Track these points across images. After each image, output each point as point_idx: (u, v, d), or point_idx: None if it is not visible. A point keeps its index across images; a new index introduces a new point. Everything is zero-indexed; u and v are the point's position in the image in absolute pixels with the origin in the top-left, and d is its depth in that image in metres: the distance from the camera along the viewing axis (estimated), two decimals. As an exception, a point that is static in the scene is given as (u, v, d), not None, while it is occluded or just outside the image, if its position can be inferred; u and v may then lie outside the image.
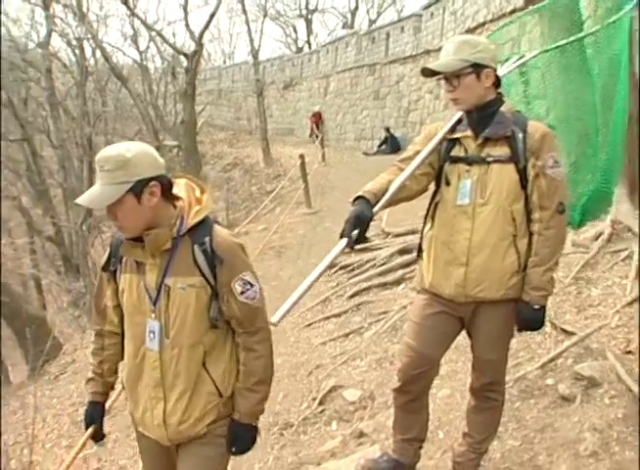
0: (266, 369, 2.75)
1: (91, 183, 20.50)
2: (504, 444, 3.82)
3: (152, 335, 2.68)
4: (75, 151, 21.11)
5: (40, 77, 19.70)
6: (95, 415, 2.97)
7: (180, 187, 2.69)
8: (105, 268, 2.83)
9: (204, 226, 2.63)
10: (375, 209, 2.98)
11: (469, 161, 3.09)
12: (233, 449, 2.78)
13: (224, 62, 45.50)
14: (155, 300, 2.66)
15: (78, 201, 2.51)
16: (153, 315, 2.66)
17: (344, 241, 2.91)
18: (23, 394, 10.96)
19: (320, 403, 5.38)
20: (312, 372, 6.04)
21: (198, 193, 2.72)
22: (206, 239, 2.60)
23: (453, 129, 3.18)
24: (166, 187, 2.56)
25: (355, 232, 2.90)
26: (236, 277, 2.62)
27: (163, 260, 2.62)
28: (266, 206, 14.95)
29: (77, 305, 16.86)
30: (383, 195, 3.03)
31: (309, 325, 7.41)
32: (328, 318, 7.46)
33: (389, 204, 3.08)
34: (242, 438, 2.77)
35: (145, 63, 26.00)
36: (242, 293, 2.63)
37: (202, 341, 2.65)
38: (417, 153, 3.15)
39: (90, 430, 2.97)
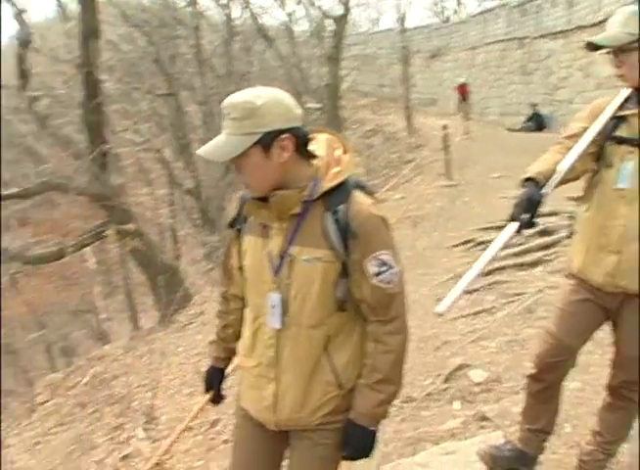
0: (395, 367, 2.39)
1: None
2: (635, 447, 3.53)
3: (272, 309, 2.40)
4: (218, 108, 21.31)
5: (188, 35, 19.97)
6: (215, 380, 2.81)
7: (320, 144, 2.39)
8: (231, 225, 2.60)
9: (341, 191, 2.31)
10: (544, 191, 2.72)
11: (634, 142, 2.80)
12: (344, 453, 2.44)
13: (370, 28, 45.11)
14: (277, 269, 2.38)
15: (200, 152, 2.28)
16: (274, 286, 2.38)
17: (515, 225, 2.65)
18: (152, 339, 11.30)
19: (445, 381, 5.22)
20: (440, 348, 5.89)
21: (339, 152, 2.40)
22: (341, 207, 2.28)
23: (621, 107, 2.88)
24: (301, 142, 2.27)
25: (526, 216, 2.64)
26: (371, 255, 2.28)
27: (291, 226, 2.34)
28: (405, 175, 14.69)
29: (210, 259, 17.13)
30: (550, 176, 2.78)
31: (440, 299, 7.03)
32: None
33: (557, 186, 2.82)
34: (355, 441, 2.41)
35: (291, 25, 26.03)
36: (376, 274, 2.30)
37: (325, 323, 2.36)
38: (583, 130, 2.88)
39: (209, 395, 2.83)
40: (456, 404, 4.84)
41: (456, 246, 9.19)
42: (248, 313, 2.55)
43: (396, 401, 4.96)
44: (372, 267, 2.28)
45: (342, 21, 18.68)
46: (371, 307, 2.35)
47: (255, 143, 2.20)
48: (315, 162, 2.33)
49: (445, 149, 13.90)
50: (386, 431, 4.54)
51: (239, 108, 2.20)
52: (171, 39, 19.35)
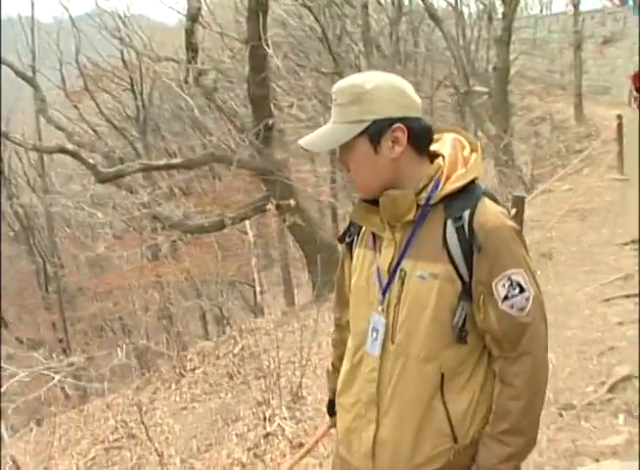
0: (526, 414, 1.97)
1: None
2: None
3: (374, 334, 2.04)
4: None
5: (356, 14, 19.87)
6: (333, 412, 2.39)
7: (445, 143, 2.07)
8: (341, 239, 2.26)
9: (466, 196, 1.95)
10: None
11: None
12: None
13: (541, 10, 43.60)
14: (385, 288, 2.02)
15: (302, 142, 2.02)
16: (380, 308, 2.03)
17: None
18: (304, 316, 11.31)
19: (609, 390, 4.73)
20: (604, 353, 5.37)
21: (466, 152, 2.05)
22: (466, 213, 1.92)
23: None
24: (418, 135, 1.96)
25: None
26: (501, 274, 1.91)
27: (405, 235, 1.99)
28: (574, 165, 14.00)
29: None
30: None
31: (607, 301, 6.59)
32: (628, 297, 6.57)
33: None
34: None
35: (460, 7, 25.47)
36: (505, 298, 1.92)
37: (439, 356, 1.96)
38: None
39: (330, 423, 2.55)
40: (621, 418, 4.40)
41: (626, 244, 8.58)
42: (350, 342, 2.20)
43: (553, 408, 4.66)
44: (500, 289, 1.92)
45: (512, 2, 17.97)
46: (496, 340, 1.97)
47: (362, 133, 1.93)
48: (437, 161, 2.02)
49: (619, 140, 13.14)
50: (540, 439, 4.20)
51: (346, 92, 1.95)
52: (338, 18, 19.28)
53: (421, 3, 19.63)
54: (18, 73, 14.43)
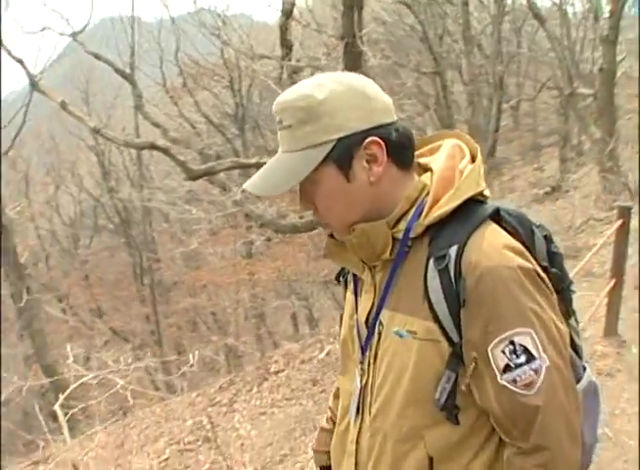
0: None
1: (498, 123, 20.22)
2: None
3: (354, 399, 1.66)
4: (485, 89, 20.81)
5: (457, 14, 19.44)
6: None
7: (441, 151, 1.63)
8: (337, 277, 1.86)
9: (461, 223, 1.48)
10: None
11: None
12: None
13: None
14: (364, 344, 1.62)
15: (246, 186, 1.55)
16: (360, 368, 1.64)
17: None
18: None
19: None
20: None
21: (464, 162, 1.59)
22: (452, 249, 1.44)
23: None
24: (399, 145, 1.53)
25: None
26: (500, 336, 1.41)
27: (385, 277, 1.58)
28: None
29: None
30: None
31: None
32: None
33: None
34: None
35: (564, 6, 24.66)
36: (506, 369, 1.42)
37: (423, 436, 1.50)
38: None
39: None
40: None
41: None
42: (341, 401, 1.80)
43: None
44: (499, 356, 1.41)
45: (619, 0, 17.18)
46: (500, 424, 1.47)
47: (325, 159, 1.49)
48: (422, 178, 1.58)
49: None
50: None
51: (292, 108, 1.49)
52: (439, 16, 18.90)
53: (524, 2, 19.13)
54: (117, 71, 14.60)
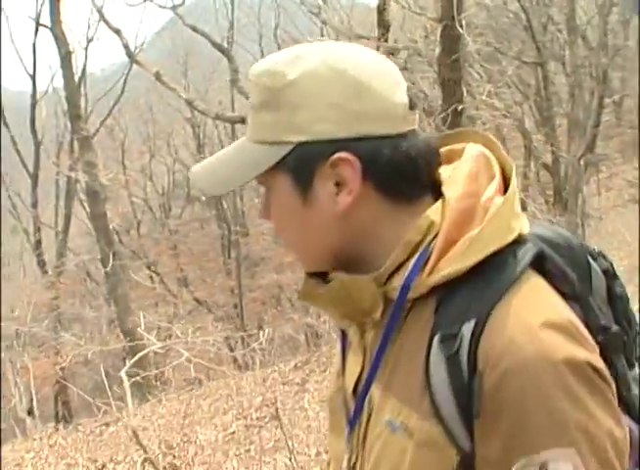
0: None
1: (599, 118, 19.62)
2: None
3: None
4: (588, 82, 20.19)
5: (563, 2, 18.92)
6: None
7: (461, 166, 1.13)
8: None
9: (481, 282, 1.03)
10: None
11: None
12: None
13: None
14: (352, 418, 1.17)
15: (191, 173, 1.18)
16: (347, 442, 1.18)
17: None
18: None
19: None
20: None
21: (491, 189, 1.09)
22: (467, 328, 1.00)
23: None
24: (387, 173, 1.08)
25: None
26: (526, 457, 0.96)
27: (377, 340, 1.13)
28: None
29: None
30: None
31: None
32: None
33: None
34: None
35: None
36: None
37: None
38: None
39: None
40: None
41: None
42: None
43: None
44: None
45: None
46: None
47: (281, 164, 1.09)
48: (428, 213, 1.09)
49: None
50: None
51: (258, 85, 1.11)
52: (545, 6, 18.44)
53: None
54: (214, 45, 14.64)
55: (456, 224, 1.06)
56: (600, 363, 1.02)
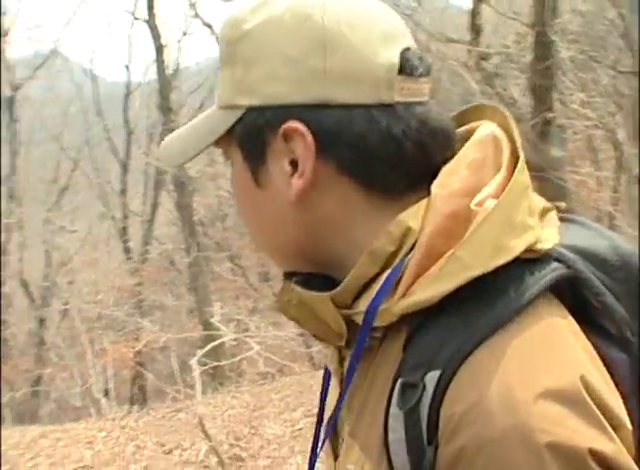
0: None
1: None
2: None
3: None
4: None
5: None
6: None
7: (464, 151, 0.89)
8: None
9: (464, 311, 0.77)
10: None
11: None
12: None
13: None
14: (334, 447, 0.99)
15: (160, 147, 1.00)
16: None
17: None
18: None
19: None
20: None
21: (492, 186, 0.85)
22: (431, 377, 0.74)
23: None
24: (359, 152, 0.84)
25: None
26: None
27: (346, 364, 0.94)
28: None
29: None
30: None
31: None
32: None
33: None
34: None
35: None
36: None
37: None
38: None
39: None
40: None
41: None
42: None
43: None
44: None
45: None
46: None
47: (231, 134, 0.91)
48: (406, 214, 0.85)
49: None
50: None
51: (220, 36, 0.93)
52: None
53: None
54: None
55: (440, 233, 0.82)
56: (619, 455, 0.72)
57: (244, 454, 7.73)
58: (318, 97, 0.83)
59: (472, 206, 0.82)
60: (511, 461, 0.68)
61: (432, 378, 0.74)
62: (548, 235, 0.84)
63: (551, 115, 12.77)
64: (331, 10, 0.84)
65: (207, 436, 6.80)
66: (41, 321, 17.81)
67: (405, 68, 0.85)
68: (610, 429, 0.72)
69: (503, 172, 0.86)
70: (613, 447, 0.71)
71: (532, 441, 0.68)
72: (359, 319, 0.85)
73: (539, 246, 0.80)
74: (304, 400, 10.01)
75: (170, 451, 8.27)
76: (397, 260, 0.83)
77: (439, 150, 0.89)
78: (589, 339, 0.80)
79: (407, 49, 0.87)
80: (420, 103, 0.87)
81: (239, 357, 10.57)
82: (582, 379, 0.73)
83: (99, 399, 12.30)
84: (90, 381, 12.68)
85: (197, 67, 31.00)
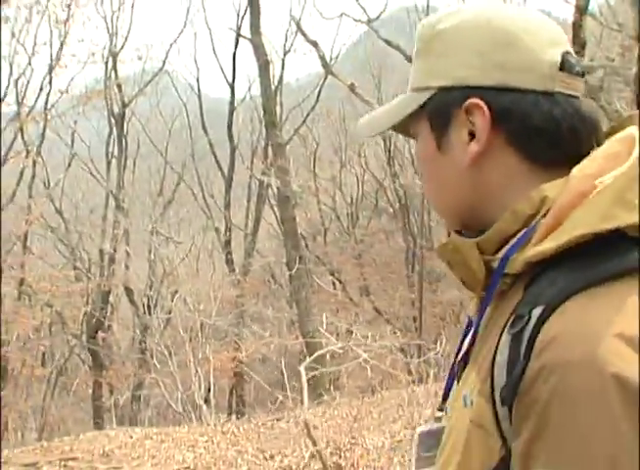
0: None
1: None
2: None
3: None
4: None
5: None
6: None
7: (607, 145, 1.02)
8: None
9: (574, 267, 0.90)
10: None
11: None
12: None
13: None
14: (445, 388, 1.17)
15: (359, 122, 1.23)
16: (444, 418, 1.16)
17: None
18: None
19: None
20: None
21: (623, 168, 0.95)
22: (536, 311, 0.89)
23: None
24: (523, 127, 1.03)
25: None
26: (539, 460, 0.84)
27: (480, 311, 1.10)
28: None
29: None
30: None
31: None
32: None
33: None
34: None
35: None
36: None
37: None
38: None
39: None
40: None
41: None
42: None
43: None
44: None
45: None
46: None
47: (423, 110, 1.10)
48: (550, 185, 1.01)
49: None
50: None
51: (417, 35, 1.15)
52: None
53: None
54: (407, 58, 14.68)
55: (570, 205, 0.95)
56: None
57: (344, 463, 7.75)
58: (497, 81, 1.04)
59: (595, 182, 0.94)
60: (578, 384, 0.81)
61: (536, 312, 0.89)
62: None
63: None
64: (513, 19, 1.07)
65: (313, 440, 6.82)
66: (145, 329, 18.25)
67: (565, 66, 1.05)
68: None
69: (631, 163, 0.96)
70: None
71: (601, 369, 0.80)
72: (496, 265, 1.01)
73: None
74: (403, 413, 9.98)
75: (272, 457, 8.37)
76: (534, 222, 0.99)
77: (588, 136, 1.05)
78: None
79: (567, 52, 1.06)
80: (575, 97, 1.06)
81: (346, 365, 10.57)
82: None
83: (200, 406, 12.52)
84: (192, 388, 12.91)
85: (297, 83, 31.42)
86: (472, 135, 1.05)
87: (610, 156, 0.98)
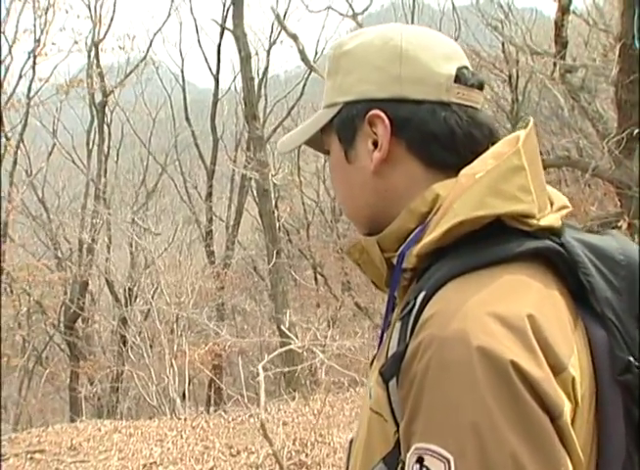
0: None
1: None
2: None
3: None
4: None
5: None
6: None
7: (495, 146, 1.12)
8: None
9: (459, 256, 1.01)
10: None
11: None
12: None
13: None
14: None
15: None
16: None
17: None
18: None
19: None
20: None
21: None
22: (420, 296, 0.99)
23: None
24: (420, 134, 1.13)
25: None
26: (416, 445, 0.90)
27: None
28: None
29: None
30: None
31: None
32: None
33: None
34: None
35: None
36: None
37: None
38: None
39: None
40: None
41: None
42: None
43: None
44: (412, 464, 0.91)
45: None
46: None
47: (332, 124, 1.22)
48: (440, 185, 1.12)
49: None
50: None
51: (327, 55, 1.28)
52: None
53: None
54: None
55: (455, 200, 1.05)
56: (545, 382, 0.88)
57: (309, 461, 7.77)
58: (395, 94, 1.15)
59: (476, 176, 1.05)
60: (449, 356, 0.90)
61: (420, 297, 0.99)
62: (551, 220, 1.04)
63: (637, 130, 12.35)
64: (407, 36, 1.17)
65: (268, 440, 6.85)
66: (124, 320, 18.21)
67: (460, 78, 1.16)
68: (543, 360, 0.90)
69: (505, 157, 1.07)
70: (539, 373, 0.88)
71: (467, 342, 0.89)
72: (395, 256, 1.12)
73: (533, 221, 1.00)
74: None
75: (238, 453, 8.39)
76: (428, 219, 1.10)
77: (483, 140, 1.16)
78: (579, 315, 1.02)
79: (463, 66, 1.17)
80: (472, 107, 1.17)
81: (301, 366, 10.60)
82: (530, 317, 0.92)
83: (174, 400, 12.52)
84: (167, 381, 12.90)
85: (286, 75, 31.35)
86: (375, 145, 1.16)
87: (496, 155, 1.08)
